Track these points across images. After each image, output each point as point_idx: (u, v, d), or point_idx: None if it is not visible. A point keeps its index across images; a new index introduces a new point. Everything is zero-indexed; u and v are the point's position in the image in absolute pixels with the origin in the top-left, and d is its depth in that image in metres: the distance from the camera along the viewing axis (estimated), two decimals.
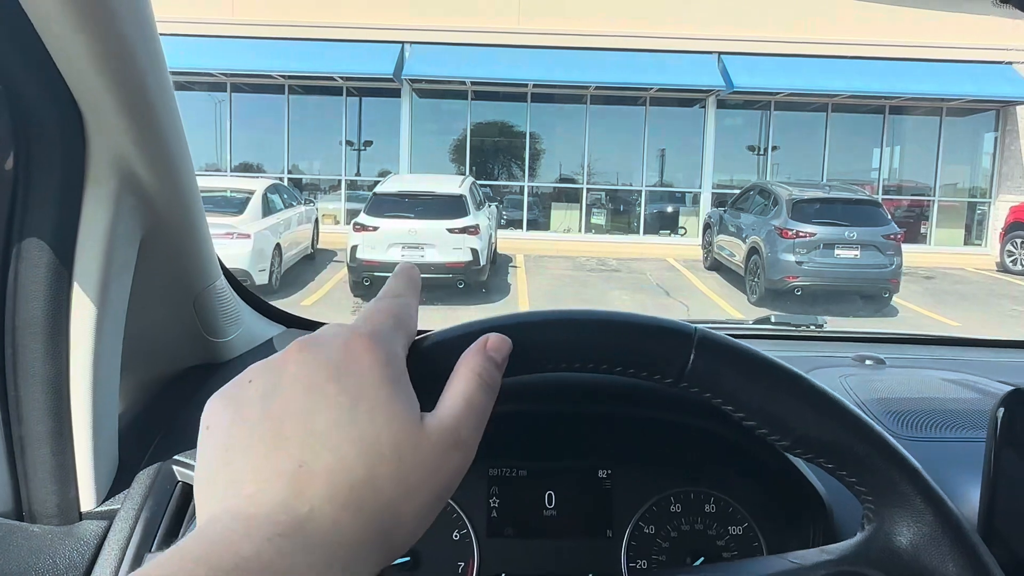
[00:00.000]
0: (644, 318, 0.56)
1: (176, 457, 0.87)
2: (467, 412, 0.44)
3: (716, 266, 12.24)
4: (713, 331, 0.56)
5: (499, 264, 11.93)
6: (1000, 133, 15.36)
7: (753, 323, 1.56)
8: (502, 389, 0.84)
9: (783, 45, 14.70)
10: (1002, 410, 0.69)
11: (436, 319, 8.98)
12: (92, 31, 0.62)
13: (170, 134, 0.77)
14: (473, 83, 15.12)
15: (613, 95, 15.42)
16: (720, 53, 14.89)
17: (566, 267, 12.39)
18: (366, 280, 9.68)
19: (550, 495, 0.87)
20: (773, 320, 1.54)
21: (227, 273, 1.12)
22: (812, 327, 1.49)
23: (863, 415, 0.56)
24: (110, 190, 0.75)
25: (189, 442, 0.89)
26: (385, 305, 0.47)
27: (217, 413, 0.42)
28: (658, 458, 0.87)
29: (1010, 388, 0.71)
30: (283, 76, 15.02)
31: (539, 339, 0.54)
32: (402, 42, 14.95)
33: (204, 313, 1.00)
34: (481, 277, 9.98)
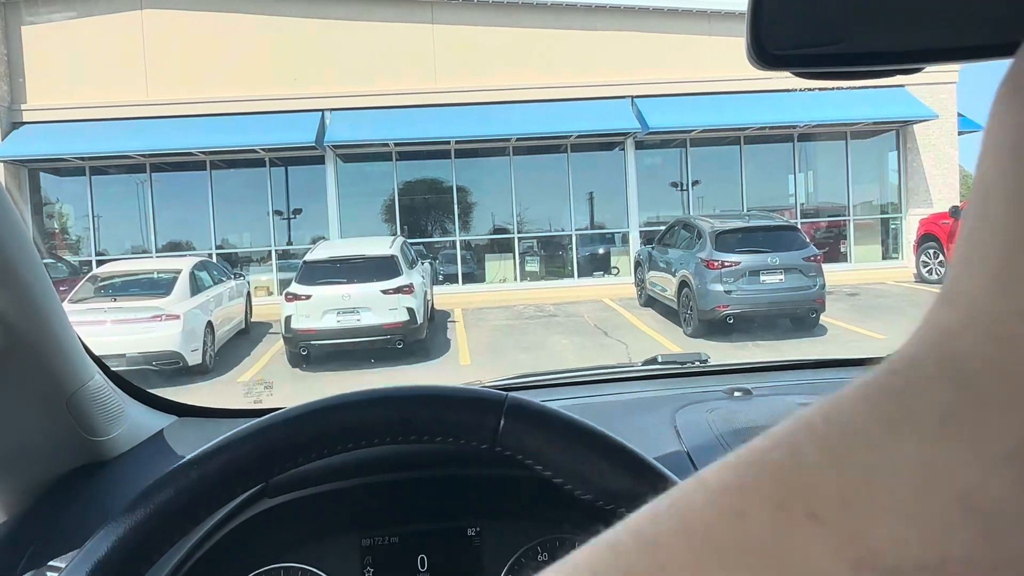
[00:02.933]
0: (456, 390, 0.61)
1: (51, 563, 0.87)
2: None
3: (650, 302, 12.47)
4: (522, 397, 0.61)
5: (437, 320, 11.92)
6: (902, 151, 16.20)
7: (642, 364, 1.63)
8: (368, 461, 0.87)
9: (692, 85, 15.31)
10: None
11: (378, 382, 8.84)
12: None
13: (12, 251, 0.80)
14: (396, 144, 15.28)
15: (535, 145, 15.76)
16: (633, 97, 15.42)
17: (505, 317, 12.45)
18: (303, 350, 9.55)
19: (423, 559, 0.90)
20: (660, 360, 1.61)
21: (106, 369, 1.13)
22: (696, 363, 1.57)
23: (656, 464, 0.61)
24: None
25: (68, 546, 0.89)
26: None
27: None
28: (524, 511, 0.92)
29: None
30: (204, 152, 14.92)
31: (355, 418, 0.59)
32: (322, 110, 15.05)
33: (80, 414, 1.01)
34: (420, 336, 9.95)
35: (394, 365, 9.41)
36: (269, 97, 14.74)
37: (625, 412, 1.21)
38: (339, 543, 0.90)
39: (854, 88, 14.93)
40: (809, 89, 14.68)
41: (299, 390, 8.57)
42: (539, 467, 0.59)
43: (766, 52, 0.62)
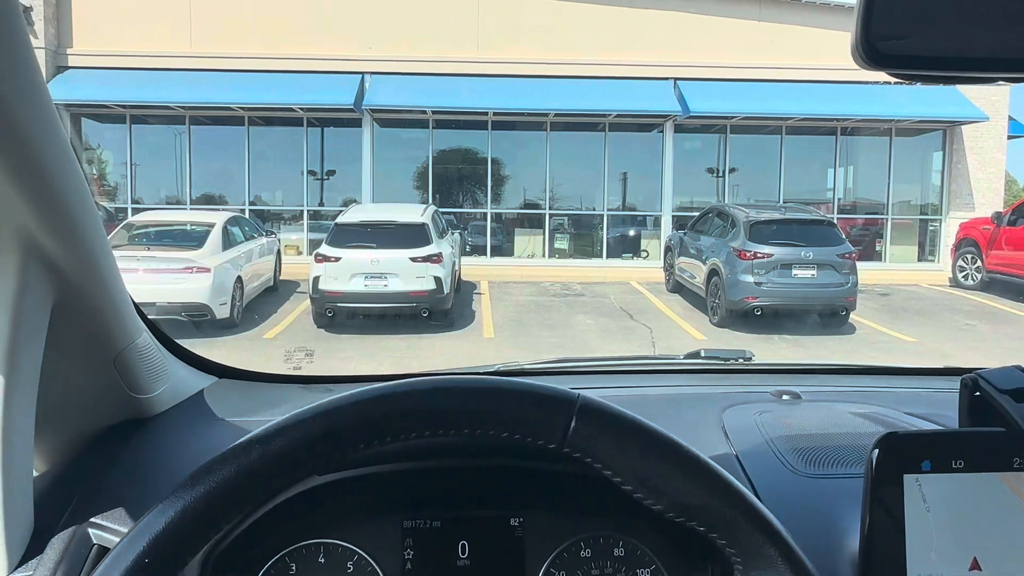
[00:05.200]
0: (527, 385, 0.59)
1: (93, 519, 0.87)
2: None
3: (678, 288, 12.39)
4: (595, 398, 0.59)
5: (463, 291, 11.93)
6: (948, 152, 15.82)
7: (684, 358, 1.60)
8: (416, 447, 0.86)
9: (737, 71, 15.04)
10: (876, 452, 0.73)
11: (401, 348, 8.95)
12: None
13: (74, 204, 0.79)
14: (434, 112, 15.22)
15: (573, 121, 15.62)
16: (676, 79, 15.19)
17: (530, 292, 12.43)
18: (329, 311, 9.62)
19: (463, 545, 0.89)
20: (703, 355, 1.58)
21: (153, 327, 1.12)
22: (740, 360, 1.54)
23: (732, 480, 0.59)
24: (15, 262, 0.76)
25: (109, 502, 0.89)
26: None
27: None
28: (569, 505, 0.90)
29: (886, 431, 0.75)
30: (243, 108, 14.98)
31: (425, 406, 0.57)
32: (362, 72, 15.01)
33: (126, 371, 1.01)
34: (445, 305, 9.96)
35: (418, 333, 9.45)
36: (310, 57, 14.72)
37: (670, 407, 1.19)
38: (380, 524, 0.89)
39: (903, 83, 14.57)
40: (865, 82, 14.35)
41: (328, 350, 8.65)
42: (608, 472, 0.57)
43: (874, 50, 0.58)
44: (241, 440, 0.57)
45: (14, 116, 0.66)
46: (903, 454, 0.73)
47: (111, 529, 0.86)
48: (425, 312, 9.73)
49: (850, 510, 0.83)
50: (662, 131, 15.74)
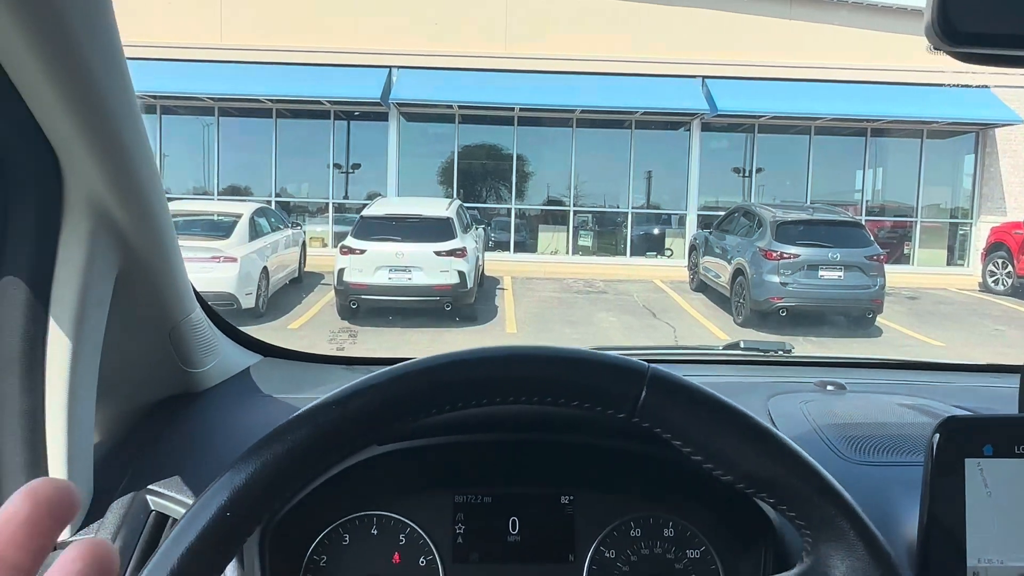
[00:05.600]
0: (599, 355, 0.60)
1: (150, 486, 0.89)
2: None
3: (702, 287, 12.31)
4: (665, 370, 0.59)
5: (486, 286, 11.95)
6: (980, 155, 15.58)
7: (723, 348, 1.60)
8: (468, 420, 0.87)
9: (766, 69, 14.91)
10: (937, 436, 0.73)
11: (424, 341, 8.98)
12: (61, 78, 0.64)
13: (143, 174, 0.80)
14: (460, 107, 15.24)
15: (599, 118, 15.56)
16: (704, 77, 15.08)
17: (553, 289, 12.42)
18: (353, 303, 9.68)
19: (514, 521, 0.90)
20: (743, 346, 1.57)
21: (204, 304, 1.14)
22: (780, 352, 1.53)
23: (803, 453, 0.59)
24: (85, 229, 0.78)
25: (163, 471, 0.91)
26: None
27: None
28: (619, 484, 0.90)
29: (947, 415, 0.74)
30: (271, 100, 15.09)
31: (501, 372, 0.58)
32: (389, 66, 15.07)
33: (180, 345, 1.03)
34: (468, 300, 9.99)
35: (441, 327, 9.48)
36: (338, 50, 14.81)
37: None
38: (433, 498, 0.90)
39: (935, 85, 14.37)
40: (896, 83, 14.14)
41: (362, 340, 8.71)
42: (678, 443, 0.57)
43: (953, 28, 0.57)
44: (317, 401, 0.58)
45: (95, 80, 0.67)
46: (965, 438, 0.72)
47: (168, 496, 0.88)
48: (448, 306, 9.76)
49: (904, 497, 0.83)
50: (689, 129, 15.65)
